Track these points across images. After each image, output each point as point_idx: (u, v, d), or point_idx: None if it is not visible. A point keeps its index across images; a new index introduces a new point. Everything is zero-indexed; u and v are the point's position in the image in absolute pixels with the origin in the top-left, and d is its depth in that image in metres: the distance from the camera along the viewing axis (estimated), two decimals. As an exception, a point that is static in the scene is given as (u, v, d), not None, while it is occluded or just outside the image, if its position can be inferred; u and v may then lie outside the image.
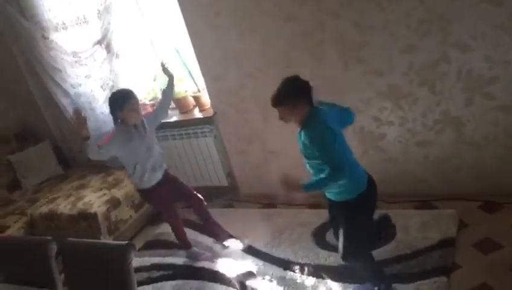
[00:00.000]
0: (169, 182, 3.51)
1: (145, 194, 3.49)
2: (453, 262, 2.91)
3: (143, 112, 3.46)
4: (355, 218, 2.55)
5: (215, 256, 3.62)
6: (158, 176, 3.41)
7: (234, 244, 3.65)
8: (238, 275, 3.33)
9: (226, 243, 3.67)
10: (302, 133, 2.43)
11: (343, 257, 2.63)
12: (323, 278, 3.06)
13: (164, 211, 3.66)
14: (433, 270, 2.85)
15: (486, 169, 3.29)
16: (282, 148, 3.94)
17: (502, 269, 2.76)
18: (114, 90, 3.47)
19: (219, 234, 3.70)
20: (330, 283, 3.02)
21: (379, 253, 2.93)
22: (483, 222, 3.18)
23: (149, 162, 3.32)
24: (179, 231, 3.65)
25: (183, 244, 3.68)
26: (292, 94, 2.39)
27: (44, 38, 4.22)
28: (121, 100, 3.17)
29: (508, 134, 3.15)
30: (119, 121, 3.23)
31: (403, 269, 2.93)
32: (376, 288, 2.76)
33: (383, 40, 3.21)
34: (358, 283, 2.89)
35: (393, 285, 2.80)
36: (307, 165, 2.54)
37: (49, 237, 2.73)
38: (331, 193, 2.55)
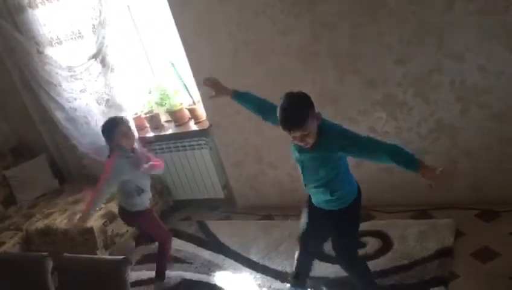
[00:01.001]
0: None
1: (143, 215, 3.44)
2: (451, 272, 2.91)
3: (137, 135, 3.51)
4: (356, 222, 2.62)
5: (212, 269, 3.59)
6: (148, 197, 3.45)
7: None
8: (235, 288, 3.31)
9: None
10: (318, 146, 2.33)
11: (351, 265, 2.67)
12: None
13: (161, 231, 3.57)
14: (431, 280, 2.84)
15: (482, 177, 3.30)
16: (279, 159, 3.94)
17: (500, 278, 2.76)
18: (105, 120, 3.44)
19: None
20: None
21: (377, 264, 2.93)
22: (481, 230, 3.18)
23: (147, 183, 3.39)
24: (167, 256, 3.60)
25: (161, 273, 3.59)
26: (309, 111, 2.28)
27: (39, 53, 4.22)
28: (111, 128, 3.22)
29: (503, 142, 3.17)
30: (114, 146, 3.24)
31: (401, 279, 2.93)
32: None
33: (377, 51, 3.23)
34: None
35: None
36: (308, 181, 2.52)
37: (45, 253, 2.71)
38: (328, 203, 2.53)
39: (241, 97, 2.78)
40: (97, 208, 3.23)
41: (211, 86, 2.88)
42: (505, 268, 2.82)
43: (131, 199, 3.35)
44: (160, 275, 3.57)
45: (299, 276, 2.92)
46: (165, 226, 3.64)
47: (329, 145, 2.32)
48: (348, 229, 2.61)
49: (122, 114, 4.02)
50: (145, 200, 3.40)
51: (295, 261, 2.91)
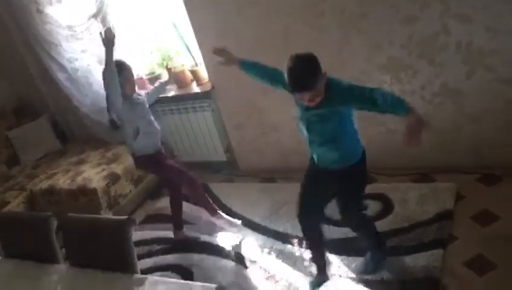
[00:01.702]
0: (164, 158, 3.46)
1: (143, 161, 3.40)
2: (450, 234, 2.93)
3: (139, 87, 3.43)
4: (364, 181, 2.64)
5: (214, 229, 3.64)
6: (156, 142, 3.37)
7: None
8: (236, 248, 3.37)
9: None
10: (324, 103, 2.33)
11: (359, 224, 2.73)
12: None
13: (178, 172, 3.45)
14: (430, 242, 2.88)
15: (485, 142, 3.29)
16: (281, 122, 3.93)
17: (498, 241, 2.79)
18: None
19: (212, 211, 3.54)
20: (329, 255, 3.04)
21: (377, 226, 2.93)
22: (481, 194, 3.19)
23: (148, 128, 3.30)
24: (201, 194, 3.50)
25: (176, 222, 3.64)
26: (318, 72, 2.28)
27: (39, 12, 4.15)
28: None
29: (508, 106, 3.14)
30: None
31: (400, 241, 2.96)
32: (371, 255, 2.83)
33: (383, 11, 3.16)
34: (360, 255, 2.92)
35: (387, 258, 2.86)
36: (314, 139, 2.50)
37: (49, 213, 2.75)
38: (335, 161, 2.51)
39: (249, 67, 2.77)
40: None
41: (220, 55, 2.87)
42: (503, 231, 2.84)
43: (132, 142, 3.28)
44: (211, 210, 3.45)
45: (321, 271, 2.89)
46: (182, 169, 3.47)
47: (335, 100, 2.33)
48: (357, 187, 2.62)
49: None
50: (147, 143, 3.30)
51: (311, 256, 2.91)
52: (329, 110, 2.35)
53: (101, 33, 3.12)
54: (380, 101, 2.23)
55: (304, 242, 3.08)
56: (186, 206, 3.88)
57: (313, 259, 2.94)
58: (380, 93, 2.27)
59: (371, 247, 2.84)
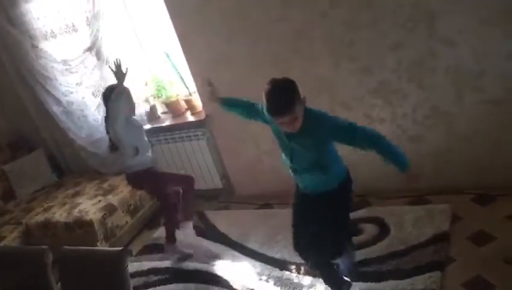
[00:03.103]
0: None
1: (140, 176, 3.52)
2: (447, 256, 2.93)
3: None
4: (346, 201, 2.61)
5: (209, 257, 3.62)
6: (149, 158, 3.54)
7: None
8: (234, 277, 3.35)
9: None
10: (304, 131, 2.36)
11: (338, 252, 2.65)
12: (319, 277, 3.06)
13: (158, 191, 3.67)
14: (427, 265, 2.87)
15: (478, 162, 3.31)
16: (276, 147, 3.93)
17: (496, 261, 2.79)
18: (106, 87, 3.57)
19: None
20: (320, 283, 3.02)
21: (374, 250, 2.95)
22: (477, 214, 3.20)
23: (145, 145, 3.51)
24: (172, 214, 3.66)
25: (170, 235, 3.68)
26: (297, 96, 2.31)
27: (34, 47, 4.22)
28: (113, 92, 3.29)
29: (498, 126, 3.18)
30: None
31: (398, 265, 2.95)
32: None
33: (371, 37, 3.23)
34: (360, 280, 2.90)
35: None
36: (299, 166, 2.52)
37: (45, 246, 2.73)
38: (320, 184, 2.52)
39: (228, 103, 2.86)
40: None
41: (211, 87, 2.94)
42: (500, 251, 2.84)
43: (130, 160, 3.44)
44: (169, 236, 3.64)
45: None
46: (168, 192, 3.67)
47: (316, 129, 2.36)
48: (341, 210, 2.59)
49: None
50: (144, 160, 3.48)
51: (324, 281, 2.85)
52: (309, 139, 2.38)
53: (110, 67, 3.35)
54: (384, 150, 2.33)
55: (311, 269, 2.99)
56: (181, 235, 3.88)
57: (327, 283, 2.84)
58: (369, 136, 2.34)
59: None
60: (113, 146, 3.49)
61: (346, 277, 2.79)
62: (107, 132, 3.46)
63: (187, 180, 3.72)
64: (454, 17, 2.97)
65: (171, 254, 3.70)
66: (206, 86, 2.94)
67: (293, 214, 2.72)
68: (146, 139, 3.57)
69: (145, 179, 3.57)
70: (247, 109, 2.75)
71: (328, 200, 2.56)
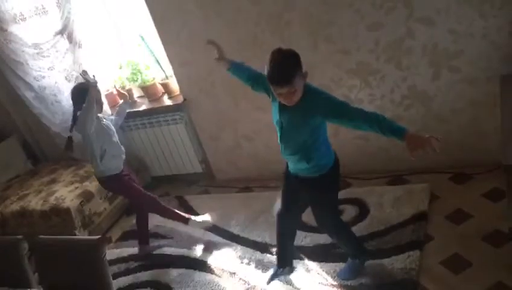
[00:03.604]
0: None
1: (116, 179, 3.40)
2: (426, 235, 2.97)
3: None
4: (334, 190, 2.64)
5: (192, 243, 3.61)
6: (120, 164, 3.40)
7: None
8: (216, 261, 3.34)
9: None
10: (301, 106, 2.33)
11: (334, 231, 2.74)
12: (300, 259, 3.09)
13: (137, 194, 3.52)
14: (406, 244, 2.90)
15: (455, 141, 3.34)
16: (255, 131, 3.93)
17: (473, 239, 2.84)
18: (75, 84, 3.46)
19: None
20: (308, 263, 3.05)
21: (354, 230, 2.96)
22: (454, 193, 3.25)
23: (114, 149, 3.34)
24: (166, 209, 3.56)
25: (141, 237, 3.69)
26: (297, 64, 2.28)
27: (3, 30, 4.05)
28: (83, 94, 3.16)
29: (474, 106, 3.21)
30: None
31: (377, 245, 2.98)
32: (352, 261, 2.85)
33: (349, 18, 3.20)
34: (339, 261, 2.95)
35: (367, 262, 2.88)
36: (285, 146, 2.50)
37: (20, 236, 2.67)
38: (304, 171, 2.53)
39: (237, 68, 2.76)
40: None
41: (214, 46, 2.79)
42: (477, 229, 2.90)
43: (107, 162, 3.30)
44: (182, 220, 3.55)
45: (286, 260, 3.00)
46: (144, 191, 3.55)
47: (312, 107, 2.32)
48: (326, 196, 2.62)
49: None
50: (113, 165, 3.34)
51: (277, 245, 2.96)
52: (303, 116, 2.34)
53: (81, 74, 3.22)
54: (376, 127, 2.21)
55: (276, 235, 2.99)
56: (162, 220, 3.85)
57: (280, 251, 2.98)
58: (363, 114, 2.27)
59: (350, 254, 2.85)
60: (69, 142, 3.37)
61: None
62: (70, 131, 3.33)
63: (151, 202, 3.52)
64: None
65: (143, 252, 3.69)
66: (211, 44, 2.74)
67: (282, 185, 2.76)
68: (118, 143, 3.39)
69: (119, 184, 3.45)
70: (253, 77, 2.68)
71: (309, 187, 2.60)
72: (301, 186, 2.62)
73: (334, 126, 3.52)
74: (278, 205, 2.86)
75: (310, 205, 2.72)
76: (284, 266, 3.01)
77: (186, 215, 3.55)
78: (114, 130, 3.39)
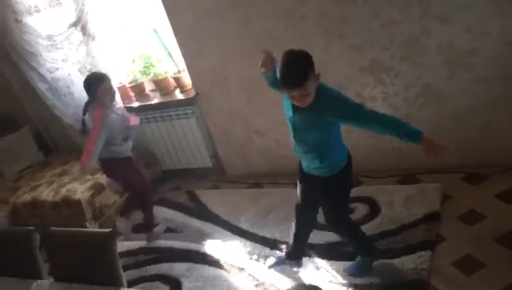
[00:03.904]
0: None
1: (126, 162, 3.54)
2: (437, 235, 2.94)
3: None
4: (346, 190, 2.61)
5: (202, 237, 3.61)
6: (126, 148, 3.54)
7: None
8: (225, 256, 3.34)
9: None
10: (314, 107, 2.29)
11: (343, 230, 2.72)
12: (310, 257, 3.07)
13: (142, 179, 3.69)
14: (418, 244, 2.87)
15: (469, 141, 3.30)
16: (267, 127, 3.91)
17: (486, 240, 2.80)
18: (88, 74, 3.53)
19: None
20: (317, 260, 3.04)
21: (365, 229, 2.94)
22: (467, 193, 3.21)
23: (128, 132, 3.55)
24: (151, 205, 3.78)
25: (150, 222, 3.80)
26: (309, 67, 2.24)
27: (17, 22, 4.08)
28: (94, 84, 3.29)
29: (489, 105, 3.16)
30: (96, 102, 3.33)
31: (388, 244, 2.95)
32: (361, 259, 2.83)
33: (364, 14, 3.16)
34: (348, 260, 2.92)
35: (377, 261, 2.85)
36: (298, 144, 2.48)
37: (31, 227, 2.68)
38: (317, 170, 2.52)
39: (274, 74, 2.56)
40: (95, 161, 3.34)
41: (268, 58, 2.52)
42: (490, 230, 2.86)
43: (115, 146, 3.42)
44: (149, 225, 3.74)
45: (296, 253, 2.98)
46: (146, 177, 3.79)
47: (325, 108, 2.29)
48: (337, 196, 2.61)
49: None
50: (128, 147, 3.52)
51: (292, 235, 2.94)
52: (315, 117, 2.32)
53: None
54: (393, 130, 2.22)
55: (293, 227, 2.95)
56: (172, 214, 3.85)
57: (293, 242, 2.96)
58: (379, 117, 2.26)
59: (359, 252, 2.83)
60: (84, 129, 3.48)
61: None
62: (83, 114, 3.43)
63: (145, 185, 3.70)
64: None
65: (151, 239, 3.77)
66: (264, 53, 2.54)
67: (298, 187, 2.77)
68: (124, 129, 3.51)
69: (123, 167, 3.56)
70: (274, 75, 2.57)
71: (321, 186, 2.58)
72: (314, 184, 2.61)
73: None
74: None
75: (320, 203, 2.71)
76: (292, 259, 2.99)
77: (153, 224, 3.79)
78: (123, 127, 3.49)
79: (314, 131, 2.37)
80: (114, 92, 3.46)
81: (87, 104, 3.38)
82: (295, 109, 2.37)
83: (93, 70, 3.91)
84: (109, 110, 3.35)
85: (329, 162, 2.46)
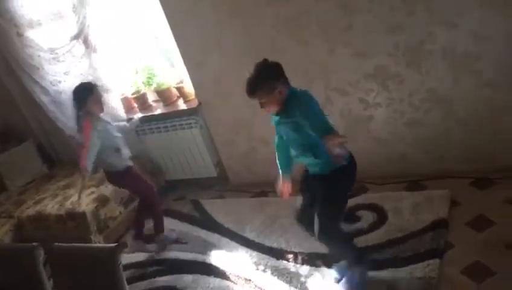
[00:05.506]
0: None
1: (127, 173, 3.54)
2: (446, 242, 2.89)
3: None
4: (338, 188, 2.59)
5: (208, 248, 3.58)
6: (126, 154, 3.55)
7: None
8: (231, 267, 3.30)
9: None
10: (286, 113, 2.44)
11: (319, 235, 2.62)
12: (317, 266, 3.03)
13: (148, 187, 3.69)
14: (426, 252, 2.83)
15: (476, 146, 3.27)
16: (270, 135, 3.86)
17: (495, 246, 2.75)
18: (76, 85, 3.51)
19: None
20: (325, 270, 2.99)
21: (371, 238, 2.91)
22: (475, 199, 3.16)
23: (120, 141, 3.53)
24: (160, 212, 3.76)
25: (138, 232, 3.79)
26: (266, 77, 2.39)
27: (19, 35, 4.09)
28: (84, 96, 3.32)
29: (495, 110, 3.12)
30: (81, 113, 3.37)
31: (396, 253, 2.91)
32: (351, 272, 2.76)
33: (367, 22, 3.14)
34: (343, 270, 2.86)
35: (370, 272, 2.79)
36: (293, 150, 2.59)
37: (36, 243, 2.66)
38: (315, 166, 2.56)
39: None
40: (91, 165, 3.35)
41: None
42: (500, 236, 2.81)
43: (110, 158, 3.44)
44: (159, 230, 3.72)
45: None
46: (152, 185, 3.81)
47: (293, 111, 2.40)
48: (333, 194, 2.57)
49: (108, 95, 3.98)
50: (124, 158, 3.49)
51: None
52: (291, 120, 2.42)
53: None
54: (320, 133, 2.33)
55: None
56: (177, 224, 3.82)
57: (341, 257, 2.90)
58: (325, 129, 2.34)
59: (347, 265, 2.78)
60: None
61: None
62: (78, 127, 3.44)
63: (151, 193, 3.72)
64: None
65: (162, 245, 3.74)
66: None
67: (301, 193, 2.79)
68: (119, 138, 3.52)
69: (126, 178, 3.58)
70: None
71: (321, 182, 2.58)
72: (314, 183, 2.62)
73: (353, 131, 3.49)
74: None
75: (316, 207, 2.61)
76: (358, 263, 2.81)
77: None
78: (117, 137, 3.51)
79: (297, 133, 2.46)
80: (103, 102, 3.49)
81: (79, 117, 3.39)
82: (277, 115, 2.51)
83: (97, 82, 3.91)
84: (99, 119, 3.37)
85: (325, 158, 2.46)
